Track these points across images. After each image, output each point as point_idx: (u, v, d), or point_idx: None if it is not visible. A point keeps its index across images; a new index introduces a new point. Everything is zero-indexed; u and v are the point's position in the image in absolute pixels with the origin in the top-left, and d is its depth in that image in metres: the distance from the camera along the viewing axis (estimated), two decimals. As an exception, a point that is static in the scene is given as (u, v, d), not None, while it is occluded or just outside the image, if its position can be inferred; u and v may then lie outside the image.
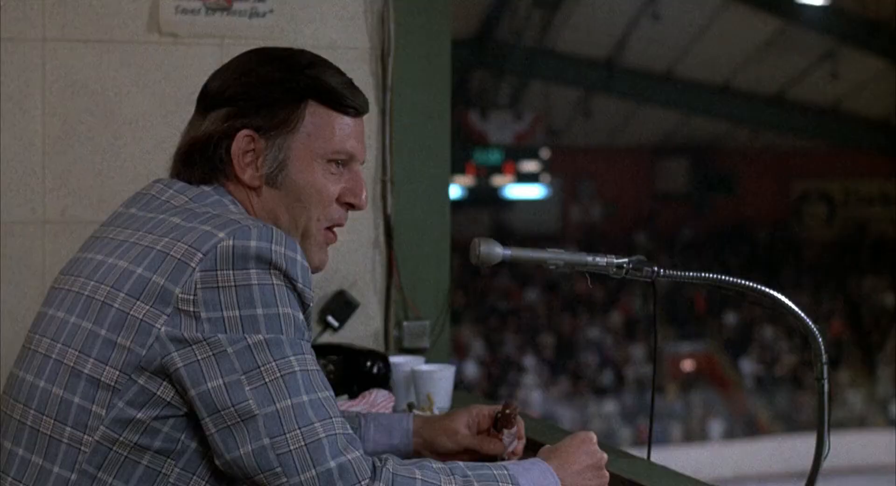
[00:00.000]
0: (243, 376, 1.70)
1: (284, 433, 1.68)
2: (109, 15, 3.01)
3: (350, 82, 1.97)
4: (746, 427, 17.42)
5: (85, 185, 3.00)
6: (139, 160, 3.04)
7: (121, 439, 1.74)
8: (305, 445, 1.68)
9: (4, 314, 2.94)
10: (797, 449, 13.28)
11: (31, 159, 2.96)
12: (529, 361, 17.96)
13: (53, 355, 1.82)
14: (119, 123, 3.03)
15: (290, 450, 1.68)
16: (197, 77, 3.06)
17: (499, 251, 2.13)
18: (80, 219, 2.97)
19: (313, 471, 1.68)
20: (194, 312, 1.72)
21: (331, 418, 1.71)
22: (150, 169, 3.00)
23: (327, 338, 3.19)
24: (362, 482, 1.69)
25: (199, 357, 1.71)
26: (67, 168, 2.99)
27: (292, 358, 1.72)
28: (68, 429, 1.77)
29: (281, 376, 1.71)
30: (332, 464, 1.68)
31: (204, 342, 1.71)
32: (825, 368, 2.10)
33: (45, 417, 1.80)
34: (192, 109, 2.84)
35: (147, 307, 1.74)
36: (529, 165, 19.16)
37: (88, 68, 3.00)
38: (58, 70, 2.98)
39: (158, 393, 1.74)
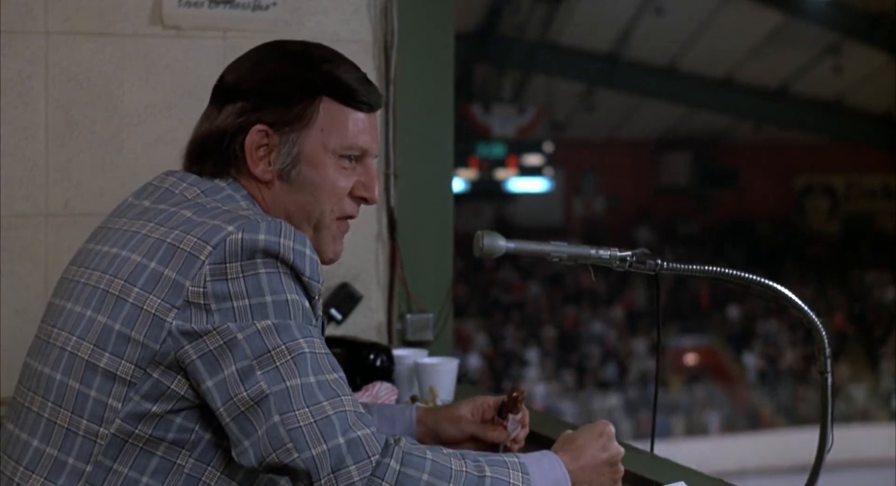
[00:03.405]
0: (254, 361, 1.72)
1: (294, 410, 1.69)
2: (112, 8, 3.01)
3: (364, 78, 1.98)
4: (749, 421, 17.42)
5: (87, 177, 3.00)
6: (142, 153, 3.04)
7: (136, 431, 1.76)
8: (315, 421, 1.69)
9: (7, 307, 2.94)
10: (800, 443, 13.27)
11: (33, 152, 2.96)
12: (532, 354, 17.97)
13: (69, 349, 1.83)
14: (122, 115, 3.03)
15: (300, 426, 1.69)
16: (200, 70, 3.08)
17: (502, 244, 2.13)
18: (83, 212, 2.97)
19: (324, 445, 1.68)
20: (205, 304, 1.74)
21: (339, 396, 1.72)
22: (152, 162, 3.01)
23: (331, 331, 3.19)
24: (372, 458, 1.70)
25: (212, 347, 1.73)
26: (70, 161, 2.99)
27: (301, 341, 1.74)
28: (84, 422, 1.79)
29: (291, 358, 1.72)
30: (342, 439, 1.69)
31: (214, 332, 1.73)
32: (828, 361, 2.10)
33: (62, 409, 1.81)
34: (195, 101, 2.84)
35: (159, 301, 1.75)
36: (532, 159, 19.18)
37: (91, 61, 3.00)
38: (61, 63, 2.97)
39: (172, 387, 1.76)
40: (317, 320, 1.82)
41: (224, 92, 1.95)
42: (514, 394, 2.19)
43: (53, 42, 2.97)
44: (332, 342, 2.96)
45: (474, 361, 17.18)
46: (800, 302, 2.10)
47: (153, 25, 3.05)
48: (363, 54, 3.22)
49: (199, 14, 3.07)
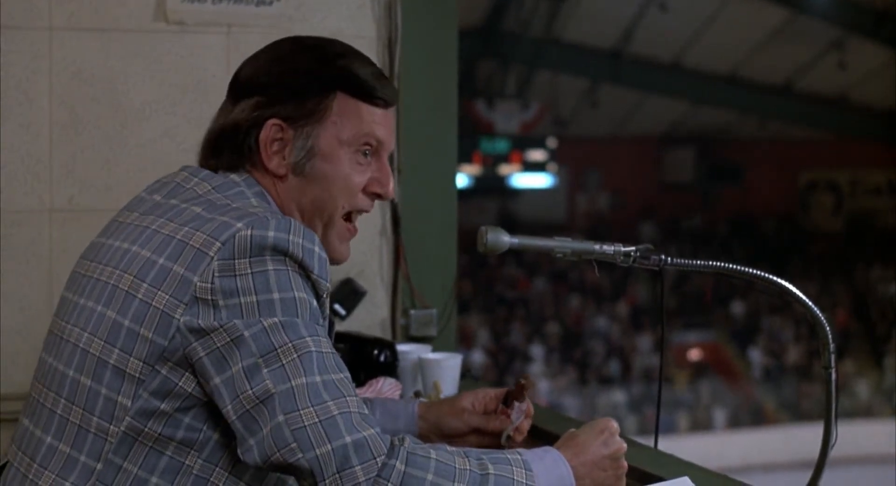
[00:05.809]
0: (261, 359, 1.72)
1: (298, 410, 1.69)
2: (116, 3, 3.01)
3: (380, 73, 1.98)
4: (753, 417, 17.42)
5: (92, 173, 3.00)
6: (146, 148, 3.04)
7: (145, 430, 1.77)
8: (319, 421, 1.69)
9: (10, 303, 2.94)
10: (804, 439, 13.26)
11: (38, 148, 2.96)
12: (536, 350, 17.97)
13: (81, 345, 1.84)
14: (126, 111, 3.03)
15: (305, 426, 1.69)
16: (204, 65, 3.08)
17: (506, 240, 2.13)
18: (88, 207, 2.97)
19: (329, 446, 1.68)
20: (212, 300, 1.74)
21: (344, 397, 1.72)
22: (157, 157, 3.01)
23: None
24: (378, 459, 1.69)
25: (219, 344, 1.73)
26: (74, 157, 2.99)
27: (308, 339, 1.74)
28: (95, 419, 1.79)
29: (298, 356, 1.72)
30: (348, 439, 1.69)
31: (221, 329, 1.73)
32: (832, 357, 2.09)
33: (74, 406, 1.82)
34: (199, 97, 2.84)
35: (167, 297, 1.75)
36: (536, 155, 19.19)
37: (95, 57, 3.00)
38: (65, 59, 2.98)
39: (180, 384, 1.76)
40: (324, 319, 1.82)
41: (239, 87, 1.96)
42: (522, 381, 2.19)
43: (57, 38, 2.97)
44: (335, 338, 2.97)
45: (478, 357, 17.19)
46: (804, 298, 2.10)
47: (157, 21, 3.05)
48: (367, 50, 3.19)
49: (203, 9, 3.07)
